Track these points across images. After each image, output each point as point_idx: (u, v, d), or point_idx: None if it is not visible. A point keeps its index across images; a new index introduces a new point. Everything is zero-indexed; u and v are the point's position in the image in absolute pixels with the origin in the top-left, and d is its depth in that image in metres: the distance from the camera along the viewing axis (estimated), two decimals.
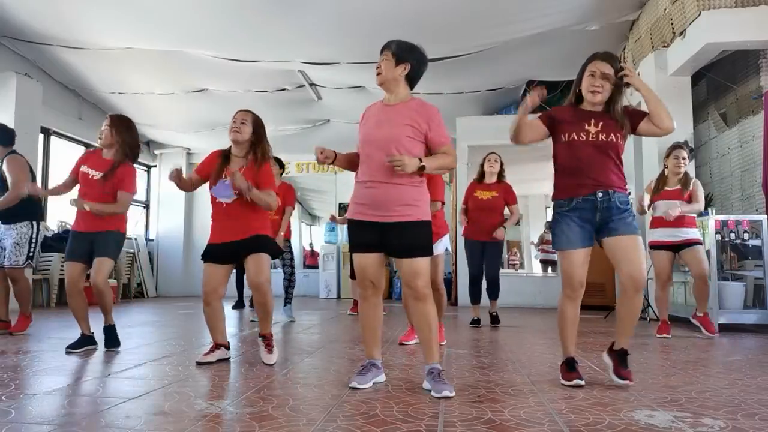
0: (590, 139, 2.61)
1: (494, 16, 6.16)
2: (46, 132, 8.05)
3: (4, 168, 4.31)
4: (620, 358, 2.69)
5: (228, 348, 3.29)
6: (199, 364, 3.10)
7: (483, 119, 8.79)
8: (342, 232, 10.23)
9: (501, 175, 5.37)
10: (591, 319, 6.23)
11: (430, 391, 2.43)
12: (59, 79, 8.11)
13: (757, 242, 5.01)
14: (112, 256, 3.63)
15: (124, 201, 3.65)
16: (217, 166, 3.21)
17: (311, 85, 7.95)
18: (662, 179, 4.68)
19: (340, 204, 10.58)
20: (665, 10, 5.80)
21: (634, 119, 2.67)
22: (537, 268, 12.17)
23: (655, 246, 4.64)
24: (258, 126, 3.24)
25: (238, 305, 7.06)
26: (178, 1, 5.89)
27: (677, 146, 4.68)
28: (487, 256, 5.32)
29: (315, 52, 7.00)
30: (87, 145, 8.77)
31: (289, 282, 5.69)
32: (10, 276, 4.37)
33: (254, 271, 3.10)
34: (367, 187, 2.56)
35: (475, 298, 5.39)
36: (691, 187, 4.56)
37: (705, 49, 5.34)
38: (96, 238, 3.59)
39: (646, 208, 4.78)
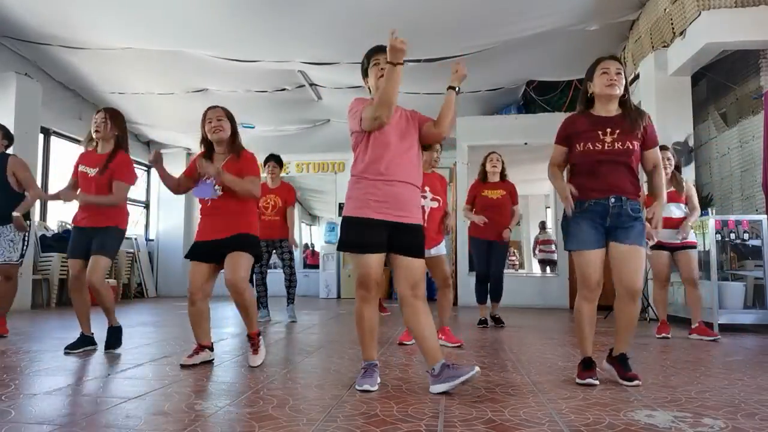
0: (606, 148, 2.61)
1: (494, 16, 6.16)
2: (46, 132, 8.05)
3: (12, 168, 4.26)
4: (622, 362, 2.70)
5: (211, 349, 3.23)
6: (183, 366, 3.03)
7: (483, 119, 8.80)
8: None
9: (503, 174, 5.35)
10: None
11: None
12: (59, 79, 8.11)
13: (757, 242, 5.01)
14: (108, 253, 3.56)
15: (118, 190, 3.57)
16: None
17: (311, 85, 7.95)
18: None
19: (340, 204, 10.58)
20: (665, 10, 5.80)
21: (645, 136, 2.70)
22: (537, 268, 12.17)
23: (654, 246, 4.65)
24: (232, 119, 3.25)
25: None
26: (178, 1, 5.89)
27: (661, 148, 4.67)
28: (492, 255, 5.29)
29: (315, 52, 7.00)
30: None
31: (290, 282, 5.70)
32: (5, 273, 4.23)
33: (230, 269, 3.03)
34: (387, 184, 2.52)
35: (481, 297, 5.36)
36: (686, 190, 4.57)
37: (705, 49, 5.34)
38: (94, 235, 3.55)
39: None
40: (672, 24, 5.75)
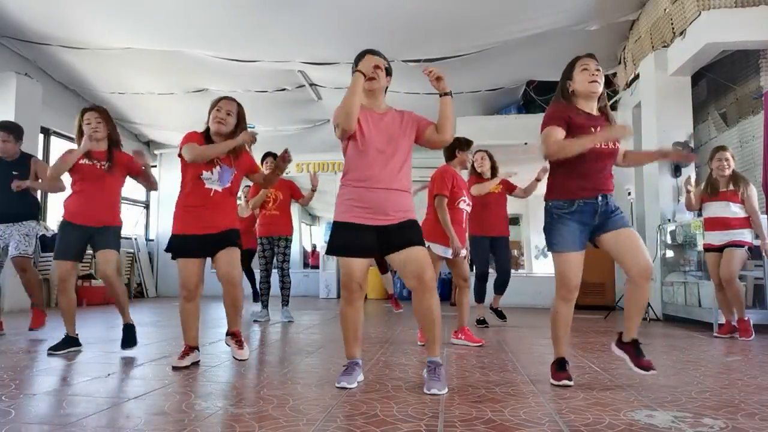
0: (601, 146, 2.61)
1: (494, 16, 6.17)
2: (46, 132, 8.05)
3: (35, 168, 4.43)
4: (635, 348, 2.66)
5: (198, 350, 3.17)
6: (175, 368, 2.97)
7: (483, 119, 8.80)
8: None
9: (495, 169, 5.25)
10: (591, 319, 6.22)
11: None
12: (59, 79, 8.12)
13: (757, 242, 5.00)
14: (115, 248, 3.63)
15: (154, 177, 3.97)
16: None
17: (311, 85, 7.96)
18: (713, 182, 4.59)
19: None
20: (665, 10, 5.81)
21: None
22: (537, 268, 12.16)
23: (707, 249, 4.62)
24: (242, 118, 3.25)
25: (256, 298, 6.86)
26: (177, 1, 5.90)
27: (720, 148, 4.63)
28: (497, 251, 5.27)
29: (315, 52, 7.00)
30: None
31: (283, 284, 5.62)
32: (20, 265, 4.30)
33: (229, 264, 3.06)
34: (366, 189, 2.54)
35: (480, 296, 5.27)
36: (742, 188, 4.48)
37: (705, 49, 5.34)
38: (96, 233, 3.57)
39: (694, 206, 4.80)
40: (672, 24, 5.75)
